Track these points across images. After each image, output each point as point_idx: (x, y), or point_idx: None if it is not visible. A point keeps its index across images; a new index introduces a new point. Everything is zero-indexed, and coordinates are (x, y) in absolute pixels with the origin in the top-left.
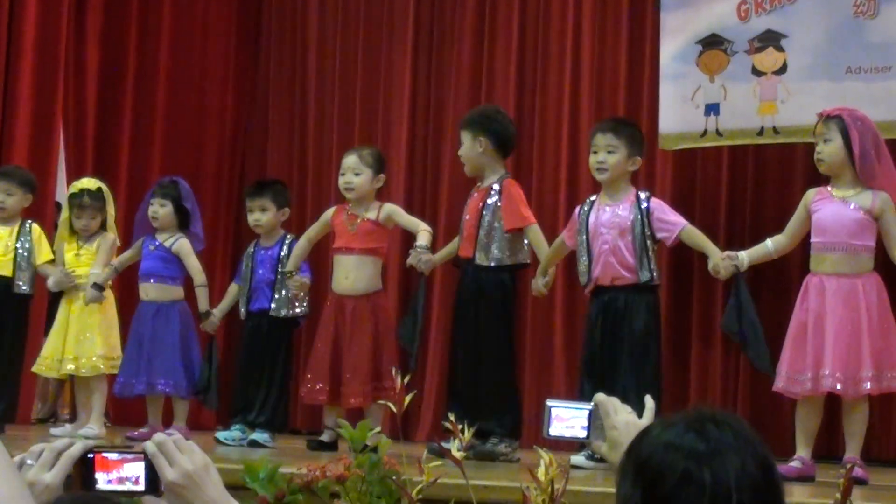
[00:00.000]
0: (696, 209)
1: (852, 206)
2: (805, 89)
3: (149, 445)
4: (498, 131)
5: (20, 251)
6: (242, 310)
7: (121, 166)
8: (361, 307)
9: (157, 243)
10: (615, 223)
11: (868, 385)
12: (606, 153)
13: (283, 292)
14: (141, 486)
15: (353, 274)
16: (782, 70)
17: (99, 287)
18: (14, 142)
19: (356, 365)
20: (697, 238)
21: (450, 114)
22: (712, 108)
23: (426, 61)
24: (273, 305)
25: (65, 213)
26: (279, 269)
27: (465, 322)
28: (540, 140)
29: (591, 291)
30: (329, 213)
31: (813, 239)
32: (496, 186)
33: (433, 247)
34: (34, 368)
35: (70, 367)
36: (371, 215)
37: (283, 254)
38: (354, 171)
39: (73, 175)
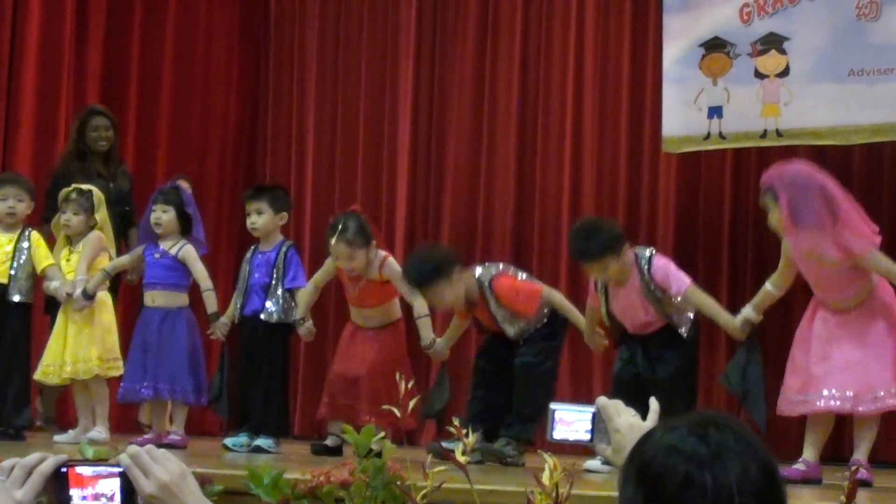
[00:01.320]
0: (699, 212)
1: (828, 265)
2: (808, 92)
3: (123, 458)
4: (451, 274)
5: (17, 260)
6: (236, 314)
7: None
8: (379, 335)
9: (161, 251)
10: (628, 307)
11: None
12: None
13: (277, 298)
14: (117, 502)
15: (369, 317)
16: (785, 73)
17: (87, 295)
18: (17, 147)
19: (370, 384)
20: (703, 303)
21: (453, 118)
22: (715, 111)
23: (429, 65)
24: (266, 309)
25: (57, 217)
26: (274, 274)
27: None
28: (543, 143)
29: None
30: (331, 265)
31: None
32: (487, 294)
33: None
34: (36, 376)
35: (68, 370)
36: (373, 276)
37: (279, 260)
38: (348, 257)
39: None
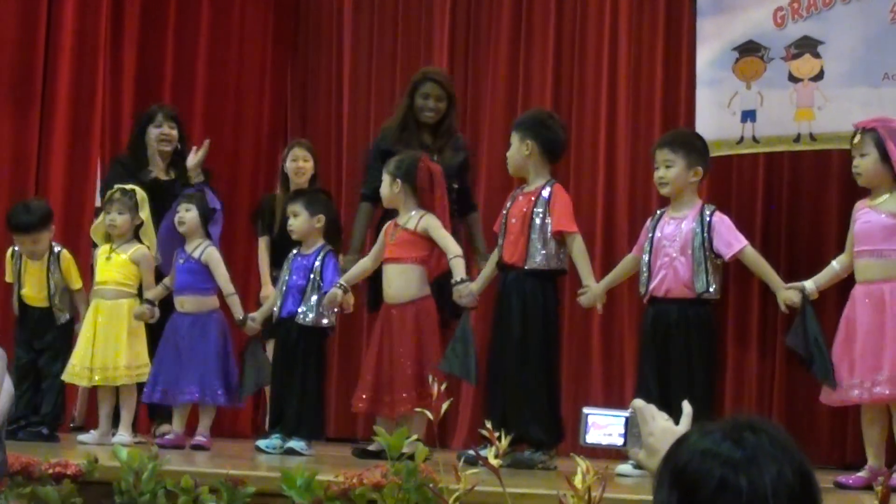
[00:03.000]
0: (731, 215)
1: (882, 214)
2: (842, 96)
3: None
4: (547, 137)
5: (51, 282)
6: (276, 314)
7: None
8: (405, 314)
9: (185, 255)
10: (676, 236)
11: (883, 389)
12: (665, 168)
13: (313, 302)
14: None
15: (395, 282)
16: (819, 76)
17: (151, 303)
18: (52, 150)
19: (400, 371)
20: (757, 263)
21: (486, 117)
22: (749, 115)
23: (462, 67)
24: (301, 312)
25: (99, 218)
26: (311, 278)
27: (509, 328)
28: (576, 146)
29: (648, 301)
30: (384, 227)
31: (854, 250)
32: (545, 191)
33: (467, 252)
34: (64, 377)
35: (97, 377)
36: (410, 225)
37: (317, 264)
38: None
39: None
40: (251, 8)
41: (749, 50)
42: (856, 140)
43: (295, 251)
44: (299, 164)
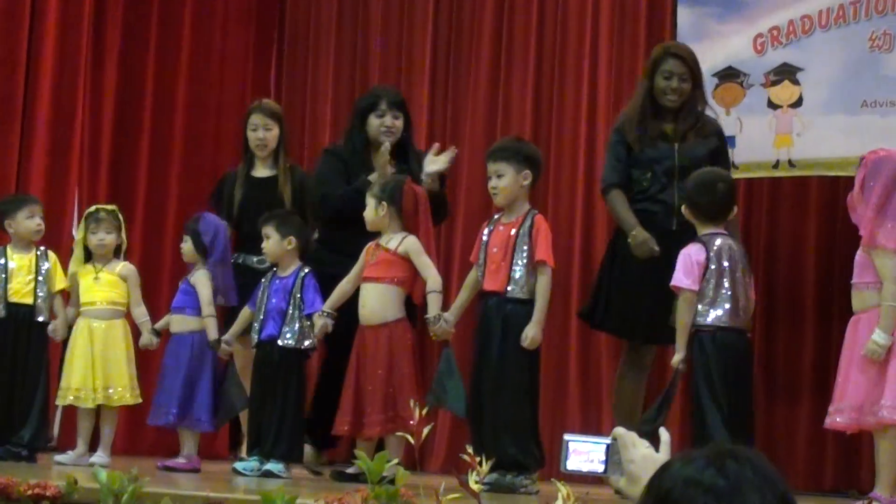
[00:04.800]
0: None
1: (859, 248)
2: (821, 122)
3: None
4: (539, 166)
5: (40, 279)
6: (255, 337)
7: (137, 194)
8: (378, 336)
9: (186, 279)
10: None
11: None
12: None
13: (295, 324)
14: None
15: (370, 303)
16: (798, 103)
17: (157, 333)
18: (32, 167)
19: (372, 394)
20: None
21: (466, 139)
22: (728, 141)
23: (443, 92)
24: (283, 335)
25: (80, 235)
26: (290, 300)
27: (490, 353)
28: (556, 169)
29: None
30: (365, 248)
31: None
32: (529, 221)
33: (448, 276)
34: (60, 400)
35: (100, 397)
36: (391, 245)
37: (296, 286)
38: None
39: (86, 203)
40: (232, 26)
41: (729, 76)
42: (853, 171)
43: (272, 273)
44: (259, 133)
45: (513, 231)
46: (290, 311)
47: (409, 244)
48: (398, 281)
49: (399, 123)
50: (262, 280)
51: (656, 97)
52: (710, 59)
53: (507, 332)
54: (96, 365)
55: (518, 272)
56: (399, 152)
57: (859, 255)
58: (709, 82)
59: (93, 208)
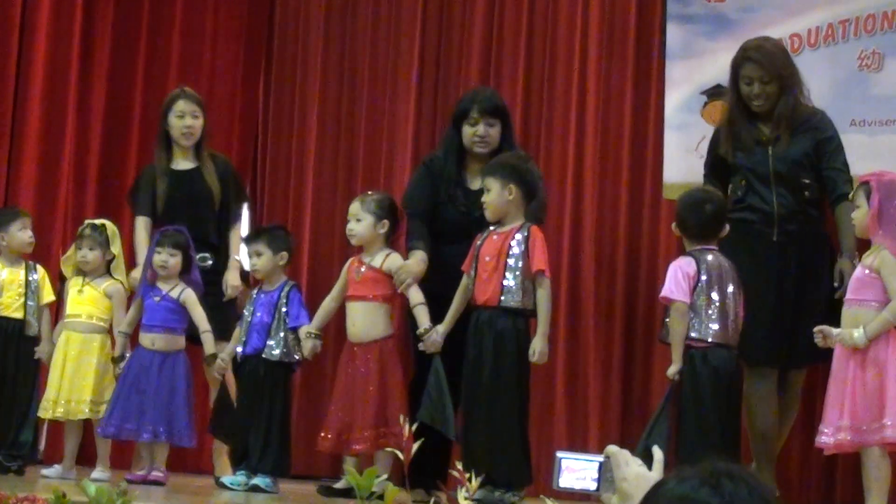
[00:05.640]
0: None
1: (858, 265)
2: None
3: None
4: (527, 180)
5: (30, 293)
6: (239, 351)
7: (125, 208)
8: (368, 353)
9: (161, 294)
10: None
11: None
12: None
13: (280, 337)
14: None
15: (359, 321)
16: None
17: (122, 357)
18: (20, 181)
19: (363, 411)
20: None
21: None
22: None
23: (431, 104)
24: (268, 348)
25: (70, 251)
26: (276, 314)
27: (481, 366)
28: (544, 188)
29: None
30: (346, 264)
31: None
32: (523, 231)
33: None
34: (43, 413)
35: (60, 410)
36: (376, 263)
37: (280, 300)
38: (356, 218)
39: (73, 217)
40: (221, 42)
41: (717, 94)
42: (851, 192)
43: (258, 288)
44: (187, 121)
45: (506, 241)
46: (275, 325)
47: (393, 260)
48: (385, 298)
49: (494, 132)
50: (248, 296)
51: (746, 104)
52: (699, 76)
53: (499, 346)
54: (65, 376)
55: (511, 281)
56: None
57: (860, 273)
58: (697, 100)
59: (84, 224)
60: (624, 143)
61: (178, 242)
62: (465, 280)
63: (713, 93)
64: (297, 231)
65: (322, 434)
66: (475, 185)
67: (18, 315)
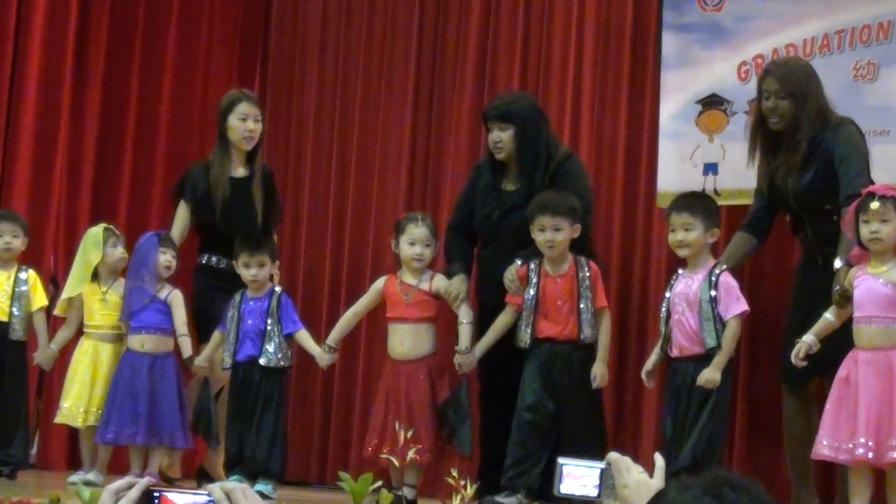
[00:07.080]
0: None
1: (881, 281)
2: None
3: (216, 491)
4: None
5: (16, 297)
6: (227, 359)
7: (119, 214)
8: (418, 370)
9: (150, 295)
10: (684, 294)
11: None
12: (685, 231)
13: (276, 343)
14: None
15: (409, 341)
16: None
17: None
18: (14, 186)
19: (416, 425)
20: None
21: (448, 167)
22: (711, 168)
23: (426, 113)
24: (265, 354)
25: (95, 254)
26: (269, 321)
27: (568, 401)
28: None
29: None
30: (380, 283)
31: (853, 315)
32: (586, 269)
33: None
34: (58, 419)
35: (92, 419)
36: (424, 286)
37: (272, 307)
38: (426, 243)
39: (66, 223)
40: (216, 49)
41: (712, 103)
42: (874, 206)
43: (242, 295)
44: (249, 125)
45: (572, 283)
46: (269, 330)
47: (438, 282)
48: (431, 319)
49: (506, 136)
50: (231, 302)
51: (765, 120)
52: (694, 85)
53: (578, 378)
54: (95, 387)
55: (586, 318)
56: (521, 169)
57: (886, 289)
58: (692, 109)
59: (105, 224)
60: (619, 151)
61: (175, 244)
62: (505, 314)
63: (708, 102)
64: (293, 237)
65: (375, 443)
66: (509, 186)
67: (3, 319)
